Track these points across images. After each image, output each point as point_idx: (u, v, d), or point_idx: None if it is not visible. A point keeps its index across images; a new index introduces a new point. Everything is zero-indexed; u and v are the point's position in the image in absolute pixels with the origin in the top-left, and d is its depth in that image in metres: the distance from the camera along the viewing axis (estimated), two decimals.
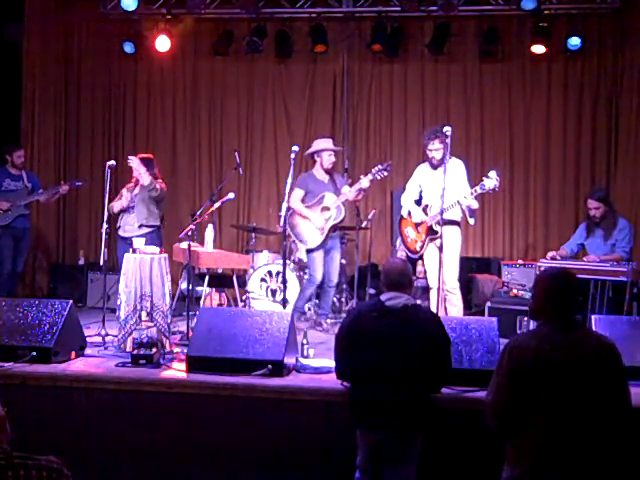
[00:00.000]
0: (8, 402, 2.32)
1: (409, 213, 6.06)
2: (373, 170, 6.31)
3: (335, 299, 7.38)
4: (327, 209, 6.44)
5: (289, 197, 6.04)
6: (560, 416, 2.73)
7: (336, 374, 3.81)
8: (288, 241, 6.52)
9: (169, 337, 5.06)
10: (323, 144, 6.60)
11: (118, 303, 5.09)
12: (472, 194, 5.60)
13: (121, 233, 6.58)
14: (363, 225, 7.29)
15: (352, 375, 3.66)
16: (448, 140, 5.61)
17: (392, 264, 3.83)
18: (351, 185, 6.53)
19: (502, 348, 2.95)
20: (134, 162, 6.47)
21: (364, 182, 6.34)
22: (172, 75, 9.19)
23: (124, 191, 6.65)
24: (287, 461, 4.07)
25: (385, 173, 6.29)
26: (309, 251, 6.50)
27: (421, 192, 6.09)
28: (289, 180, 5.83)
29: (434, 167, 5.93)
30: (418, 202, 6.08)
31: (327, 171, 6.61)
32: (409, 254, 6.09)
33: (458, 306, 5.82)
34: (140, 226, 6.49)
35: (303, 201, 6.55)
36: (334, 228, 6.54)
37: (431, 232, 5.78)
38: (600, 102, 8.45)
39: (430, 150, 5.87)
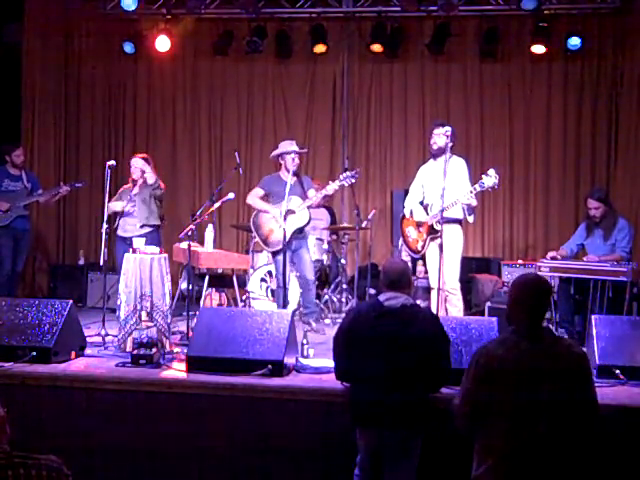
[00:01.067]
0: (8, 402, 2.32)
1: (411, 213, 6.06)
2: (341, 177, 6.20)
3: (335, 299, 7.38)
4: (292, 212, 6.25)
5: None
6: (523, 421, 2.77)
7: (335, 375, 3.82)
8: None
9: (169, 337, 5.05)
10: (287, 146, 6.45)
11: (118, 303, 5.08)
12: (471, 192, 5.60)
13: (121, 233, 6.57)
14: (363, 225, 7.28)
15: (352, 376, 3.67)
16: (448, 140, 5.62)
17: (392, 263, 3.84)
18: (317, 189, 6.45)
19: (472, 355, 2.99)
20: (138, 162, 6.51)
21: (330, 189, 6.24)
22: (172, 75, 9.20)
23: (122, 194, 6.65)
24: (287, 461, 4.07)
25: (353, 180, 6.19)
26: (274, 254, 6.38)
27: (424, 192, 6.08)
28: (288, 180, 5.83)
29: (433, 156, 5.94)
30: (422, 203, 6.07)
31: (293, 173, 6.39)
32: (411, 254, 6.08)
33: (458, 306, 5.81)
34: (142, 226, 6.50)
35: (267, 202, 6.45)
36: (300, 230, 6.36)
37: (432, 231, 5.77)
38: (600, 101, 8.46)
39: (433, 135, 5.87)
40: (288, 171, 6.21)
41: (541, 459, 2.75)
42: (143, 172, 6.53)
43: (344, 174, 6.20)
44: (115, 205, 6.52)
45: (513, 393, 2.79)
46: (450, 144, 5.70)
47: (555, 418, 2.77)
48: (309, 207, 6.31)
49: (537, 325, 2.93)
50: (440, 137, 5.81)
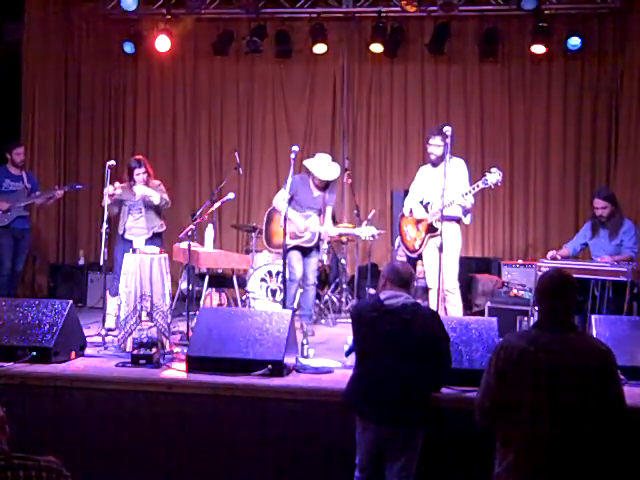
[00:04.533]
0: (8, 402, 2.32)
1: (410, 211, 6.05)
2: (364, 229, 6.29)
3: (335, 299, 7.38)
4: (306, 229, 6.26)
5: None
6: (544, 416, 2.74)
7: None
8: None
9: (169, 337, 5.05)
10: (320, 166, 6.26)
11: (118, 303, 5.09)
12: (474, 189, 5.59)
13: (128, 236, 6.30)
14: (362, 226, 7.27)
15: (352, 374, 3.67)
16: (448, 140, 5.61)
17: (403, 263, 3.94)
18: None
19: (493, 348, 2.97)
20: (140, 189, 6.21)
21: (351, 232, 6.32)
22: (172, 75, 9.20)
23: (126, 196, 6.32)
24: (287, 461, 4.07)
25: (371, 238, 6.31)
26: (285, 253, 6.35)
27: (424, 192, 6.07)
28: (289, 180, 5.83)
29: (433, 164, 5.93)
30: (421, 202, 6.06)
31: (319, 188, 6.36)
32: (408, 253, 6.07)
33: (458, 306, 5.82)
34: (150, 232, 6.37)
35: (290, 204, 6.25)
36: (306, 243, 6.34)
37: (431, 230, 5.77)
38: (600, 102, 8.46)
39: (430, 145, 5.86)
40: (316, 185, 6.26)
41: (562, 455, 2.71)
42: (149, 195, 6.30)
43: (367, 230, 6.24)
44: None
45: (533, 386, 2.76)
46: (448, 142, 5.70)
47: (576, 413, 2.72)
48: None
49: (559, 319, 2.89)
50: (438, 148, 5.79)
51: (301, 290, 6.51)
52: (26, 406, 4.17)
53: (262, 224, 6.68)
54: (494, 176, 5.47)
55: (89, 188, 8.49)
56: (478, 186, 5.57)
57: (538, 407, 2.75)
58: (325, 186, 6.31)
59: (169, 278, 5.15)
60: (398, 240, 6.32)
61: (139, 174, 6.24)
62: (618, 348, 4.29)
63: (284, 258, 5.64)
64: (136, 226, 6.37)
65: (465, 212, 5.75)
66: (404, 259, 6.14)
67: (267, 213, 6.58)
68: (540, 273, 5.82)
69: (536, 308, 5.89)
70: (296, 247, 6.27)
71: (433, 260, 5.64)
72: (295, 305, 6.49)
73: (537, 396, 2.75)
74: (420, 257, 6.03)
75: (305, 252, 6.34)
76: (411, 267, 3.87)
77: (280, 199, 6.16)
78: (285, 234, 5.60)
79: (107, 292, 6.06)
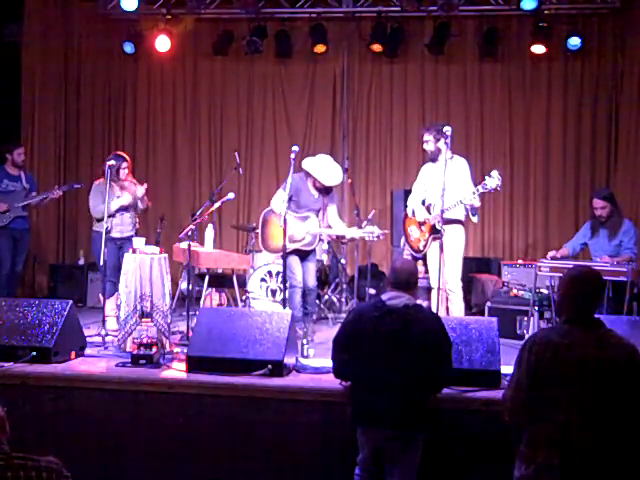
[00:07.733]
0: (8, 402, 2.32)
1: (413, 212, 6.05)
2: (367, 229, 5.91)
3: (335, 299, 7.38)
4: (306, 233, 6.02)
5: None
6: (578, 414, 2.73)
7: (334, 373, 3.81)
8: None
9: (169, 337, 5.05)
10: (323, 170, 5.95)
11: (118, 303, 5.09)
12: (474, 194, 5.59)
13: (115, 234, 6.30)
14: (362, 226, 7.25)
15: (352, 375, 3.67)
16: (448, 140, 5.61)
17: (403, 263, 3.86)
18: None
19: (522, 344, 2.95)
20: (141, 190, 6.33)
21: (349, 234, 6.11)
22: (172, 75, 9.20)
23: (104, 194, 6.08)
24: (287, 461, 4.07)
25: (375, 239, 5.91)
26: (285, 255, 5.88)
27: (426, 192, 6.08)
28: (289, 180, 5.81)
29: (430, 160, 5.97)
30: (424, 202, 6.06)
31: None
32: (413, 253, 6.07)
33: (459, 306, 5.81)
34: (134, 228, 6.47)
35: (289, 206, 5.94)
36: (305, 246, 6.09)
37: (434, 231, 5.77)
38: (600, 102, 8.46)
39: (424, 142, 5.91)
40: (316, 188, 6.01)
41: (597, 454, 2.71)
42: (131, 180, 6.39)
43: (370, 228, 5.88)
44: (112, 204, 6.24)
45: (569, 381, 2.75)
46: (438, 142, 5.74)
47: (611, 409, 2.72)
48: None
49: (588, 315, 2.91)
50: (428, 143, 5.85)
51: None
52: (26, 406, 4.17)
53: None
54: (493, 180, 5.45)
55: (89, 188, 8.48)
56: (478, 190, 5.55)
57: (574, 404, 2.74)
58: (325, 189, 6.04)
59: (169, 278, 5.15)
60: (403, 239, 6.31)
61: (124, 168, 6.38)
62: None
63: (284, 258, 5.63)
64: (122, 223, 6.41)
65: (474, 211, 5.74)
66: (409, 258, 6.10)
67: (262, 216, 6.23)
68: (540, 273, 5.85)
69: (535, 308, 5.94)
70: (294, 251, 6.01)
71: (436, 260, 5.63)
72: (299, 311, 6.12)
73: (573, 392, 2.75)
74: (424, 257, 6.03)
75: (302, 256, 6.09)
76: (415, 265, 3.84)
77: (279, 201, 5.89)
78: (285, 234, 5.55)
79: (100, 295, 6.08)
